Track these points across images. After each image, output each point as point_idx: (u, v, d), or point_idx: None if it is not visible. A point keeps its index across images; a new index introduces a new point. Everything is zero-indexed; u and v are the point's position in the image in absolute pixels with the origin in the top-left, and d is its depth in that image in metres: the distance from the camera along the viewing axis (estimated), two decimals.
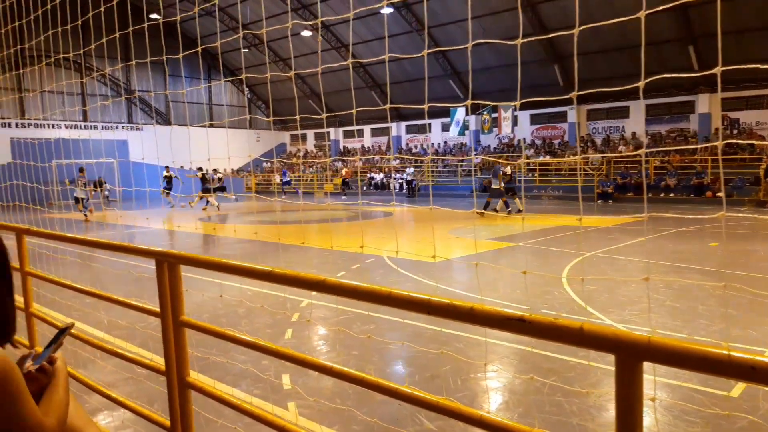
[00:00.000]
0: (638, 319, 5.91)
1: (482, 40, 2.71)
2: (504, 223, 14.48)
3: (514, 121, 28.54)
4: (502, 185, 17.04)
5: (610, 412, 3.75)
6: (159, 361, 2.44)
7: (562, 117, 28.79)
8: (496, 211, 17.05)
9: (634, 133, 26.08)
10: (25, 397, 1.45)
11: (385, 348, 5.24)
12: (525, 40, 2.38)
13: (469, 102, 2.56)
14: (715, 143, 4.31)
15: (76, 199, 19.12)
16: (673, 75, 2.41)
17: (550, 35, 2.91)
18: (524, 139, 29.70)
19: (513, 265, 9.29)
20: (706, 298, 6.70)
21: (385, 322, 5.99)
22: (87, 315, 5.83)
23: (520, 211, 17.14)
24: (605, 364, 4.45)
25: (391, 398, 1.68)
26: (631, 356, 1.16)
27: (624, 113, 26.70)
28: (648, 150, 2.81)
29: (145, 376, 4.32)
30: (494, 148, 30.91)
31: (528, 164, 26.44)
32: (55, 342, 1.85)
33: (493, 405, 3.97)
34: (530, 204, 22.13)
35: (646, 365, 1.15)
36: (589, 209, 19.25)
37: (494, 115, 28.42)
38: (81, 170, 20.15)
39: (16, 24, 6.24)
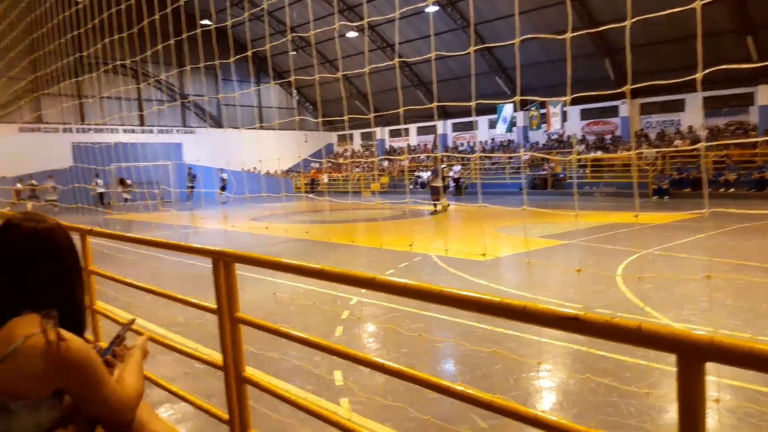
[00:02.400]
0: (698, 319, 5.71)
1: (530, 35, 2.66)
2: (555, 221, 14.20)
3: (564, 117, 27.95)
4: (440, 183, 18.43)
5: (670, 414, 3.63)
6: (216, 356, 2.52)
7: (613, 111, 28.01)
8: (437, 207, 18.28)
9: (690, 127, 25.10)
10: (106, 378, 1.59)
11: (434, 346, 5.24)
12: (574, 34, 2.33)
13: (517, 98, 2.53)
14: None
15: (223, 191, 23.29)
16: (731, 66, 2.32)
17: (600, 29, 2.83)
18: (575, 134, 29.04)
19: (565, 263, 9.11)
20: None
21: (434, 321, 5.99)
22: (147, 312, 6.06)
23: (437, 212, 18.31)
24: (664, 364, 4.32)
25: (442, 396, 1.68)
26: (693, 356, 1.13)
27: (679, 106, 25.73)
28: (707, 144, 2.71)
29: (203, 371, 4.46)
30: (543, 144, 30.37)
31: (579, 160, 25.84)
32: (118, 338, 1.97)
33: (546, 405, 3.92)
34: (582, 201, 21.63)
35: (708, 366, 1.12)
36: (643, 206, 18.66)
37: (542, 111, 27.91)
38: (190, 170, 24.15)
39: (76, 33, 6.54)
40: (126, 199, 25.17)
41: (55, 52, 7.68)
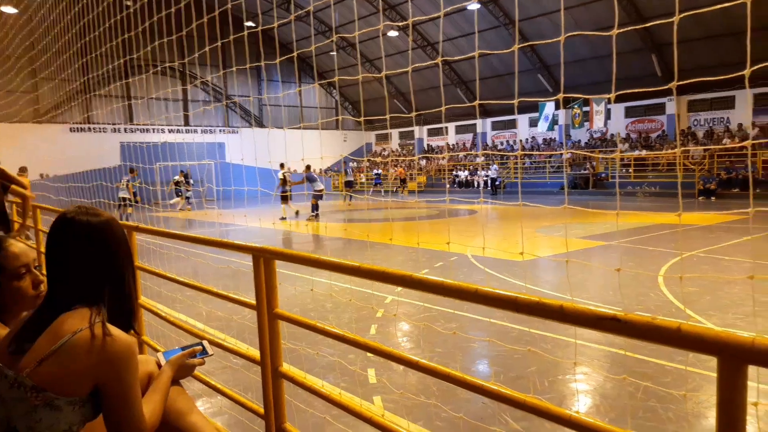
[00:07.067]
0: (742, 323, 5.52)
1: (576, 32, 2.61)
2: (596, 222, 13.91)
3: (608, 115, 27.31)
4: (322, 187, 17.73)
5: (709, 419, 3.53)
6: (254, 351, 2.57)
7: (659, 109, 27.23)
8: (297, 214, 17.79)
9: (740, 125, 24.19)
10: (137, 386, 1.56)
11: (468, 346, 5.21)
12: (622, 30, 2.27)
13: (561, 96, 2.49)
14: None
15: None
16: None
17: (649, 24, 2.76)
18: (618, 133, 28.36)
19: (605, 264, 8.92)
20: None
21: (469, 321, 5.95)
22: (188, 306, 6.21)
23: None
24: (705, 369, 4.19)
25: (475, 396, 1.68)
26: (734, 358, 1.10)
27: (729, 104, 24.82)
28: (755, 141, 2.62)
29: (240, 366, 4.55)
30: (585, 143, 29.77)
31: (622, 159, 25.24)
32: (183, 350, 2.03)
33: (582, 408, 3.85)
34: (624, 201, 21.12)
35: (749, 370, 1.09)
36: (689, 206, 18.08)
37: (585, 108, 27.35)
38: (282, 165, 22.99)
39: (126, 36, 6.75)
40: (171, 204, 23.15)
41: (105, 55, 7.95)
